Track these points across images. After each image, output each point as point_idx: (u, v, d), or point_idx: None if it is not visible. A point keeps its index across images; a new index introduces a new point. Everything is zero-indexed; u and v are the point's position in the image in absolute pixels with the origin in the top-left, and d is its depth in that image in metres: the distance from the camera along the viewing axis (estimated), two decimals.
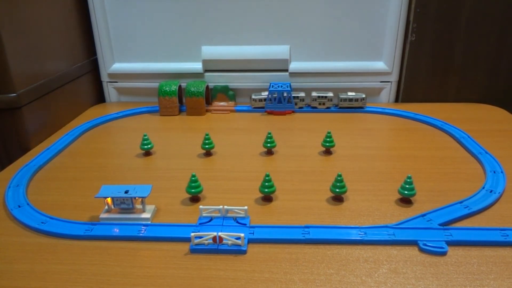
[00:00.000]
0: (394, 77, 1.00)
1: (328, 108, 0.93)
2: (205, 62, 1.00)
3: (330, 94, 0.93)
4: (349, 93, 0.92)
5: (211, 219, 0.53)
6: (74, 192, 0.63)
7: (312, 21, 0.96)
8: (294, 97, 0.93)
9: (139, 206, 0.54)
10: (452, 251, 0.47)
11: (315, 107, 0.94)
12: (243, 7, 0.96)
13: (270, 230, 0.51)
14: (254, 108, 0.96)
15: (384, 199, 0.59)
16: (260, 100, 0.95)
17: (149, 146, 0.74)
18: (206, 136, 0.73)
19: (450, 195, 0.59)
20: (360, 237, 0.50)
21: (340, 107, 0.94)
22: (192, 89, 0.94)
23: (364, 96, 0.92)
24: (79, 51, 0.99)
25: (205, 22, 0.98)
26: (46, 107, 0.84)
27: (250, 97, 0.97)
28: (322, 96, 0.92)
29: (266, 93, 0.94)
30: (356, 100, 0.91)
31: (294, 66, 1.00)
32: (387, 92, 1.01)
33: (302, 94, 0.94)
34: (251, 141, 0.79)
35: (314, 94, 0.94)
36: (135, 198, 0.53)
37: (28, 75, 0.79)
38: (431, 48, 0.96)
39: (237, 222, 0.52)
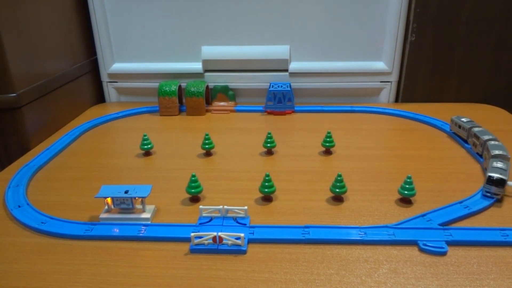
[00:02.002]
0: (394, 77, 1.00)
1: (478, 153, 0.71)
2: (205, 62, 1.00)
3: (484, 138, 0.70)
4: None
5: (211, 219, 0.53)
6: (74, 192, 0.63)
7: (312, 21, 0.96)
8: (471, 132, 0.73)
9: (139, 206, 0.54)
10: (452, 251, 0.47)
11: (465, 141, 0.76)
12: (243, 7, 0.96)
13: (270, 230, 0.51)
14: (452, 131, 0.80)
15: (384, 199, 0.59)
16: (463, 128, 0.76)
17: (149, 146, 0.74)
18: (206, 136, 0.73)
19: (450, 195, 0.59)
20: (360, 237, 0.49)
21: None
22: (192, 89, 0.94)
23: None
24: (79, 51, 0.99)
25: (205, 22, 0.98)
26: (46, 107, 0.84)
27: (452, 121, 0.80)
28: (477, 136, 0.71)
29: (466, 119, 0.78)
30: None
31: (294, 66, 1.00)
32: (387, 92, 1.01)
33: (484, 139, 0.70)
34: (251, 141, 0.79)
35: (475, 130, 0.73)
36: (135, 198, 0.53)
37: (28, 75, 0.79)
38: (431, 48, 0.96)
39: (237, 222, 0.52)
